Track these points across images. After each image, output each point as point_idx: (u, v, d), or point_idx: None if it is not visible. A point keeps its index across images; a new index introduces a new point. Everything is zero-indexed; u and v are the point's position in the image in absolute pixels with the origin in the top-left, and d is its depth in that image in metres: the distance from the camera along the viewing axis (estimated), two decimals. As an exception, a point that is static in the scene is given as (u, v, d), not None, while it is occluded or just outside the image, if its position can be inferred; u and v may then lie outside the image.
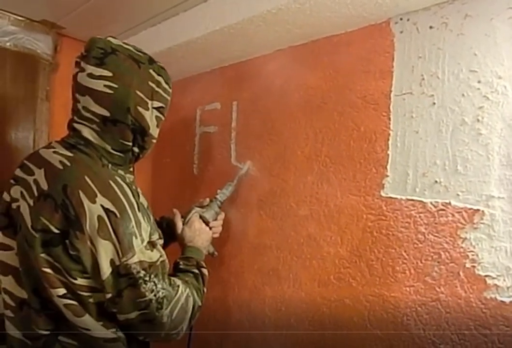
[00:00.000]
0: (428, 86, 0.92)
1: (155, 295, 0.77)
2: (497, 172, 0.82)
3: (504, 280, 0.80)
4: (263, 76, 1.26)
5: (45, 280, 0.76)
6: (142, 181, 1.61)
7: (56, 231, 0.75)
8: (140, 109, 0.84)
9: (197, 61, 1.36)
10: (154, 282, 0.78)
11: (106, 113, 0.82)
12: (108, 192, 0.76)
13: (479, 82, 0.85)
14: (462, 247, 0.86)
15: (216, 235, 1.14)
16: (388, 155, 0.98)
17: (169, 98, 0.91)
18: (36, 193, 0.79)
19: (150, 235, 0.81)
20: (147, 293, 0.76)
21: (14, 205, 0.83)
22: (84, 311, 0.77)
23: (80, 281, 0.76)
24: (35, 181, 0.81)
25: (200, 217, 1.09)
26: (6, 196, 0.86)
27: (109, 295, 0.75)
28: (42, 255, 0.76)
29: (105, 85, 0.82)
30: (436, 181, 0.90)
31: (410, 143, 0.95)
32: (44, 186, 0.78)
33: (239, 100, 1.34)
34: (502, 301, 0.80)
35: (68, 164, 0.79)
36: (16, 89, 1.22)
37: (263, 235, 1.24)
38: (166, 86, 0.90)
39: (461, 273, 0.86)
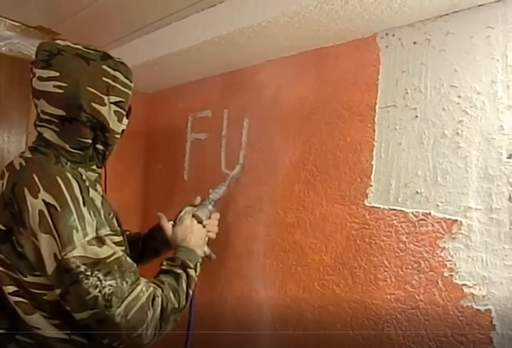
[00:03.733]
0: (411, 100, 0.95)
1: (100, 292, 0.72)
2: (475, 184, 0.85)
3: (480, 289, 0.83)
4: (254, 85, 1.29)
5: None
6: (133, 186, 1.63)
7: (3, 228, 0.78)
8: (95, 105, 0.84)
9: (189, 69, 1.39)
10: (98, 277, 0.73)
11: (61, 112, 0.83)
12: (51, 187, 0.76)
13: (459, 97, 0.88)
14: (441, 256, 0.88)
15: (212, 236, 1.10)
16: (372, 165, 1.01)
17: (129, 92, 0.90)
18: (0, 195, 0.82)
19: (97, 230, 0.77)
20: (90, 289, 0.71)
21: None
22: (34, 309, 0.76)
23: (30, 278, 0.76)
24: (2, 184, 0.83)
25: (193, 215, 1.04)
26: None
27: (58, 291, 0.73)
28: None
29: (54, 86, 0.82)
30: (417, 192, 0.93)
31: (394, 154, 0.97)
32: (3, 187, 0.82)
33: (230, 108, 1.36)
34: (477, 310, 0.83)
35: (24, 164, 0.82)
36: (10, 93, 1.24)
37: (251, 241, 1.25)
38: (125, 80, 0.89)
39: (439, 281, 0.88)
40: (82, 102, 0.82)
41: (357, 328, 1.00)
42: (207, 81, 1.45)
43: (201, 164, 1.46)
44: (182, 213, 1.05)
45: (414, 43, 0.96)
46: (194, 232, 1.01)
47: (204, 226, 1.06)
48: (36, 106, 0.86)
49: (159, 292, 0.82)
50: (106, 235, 0.78)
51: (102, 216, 0.81)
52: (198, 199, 1.13)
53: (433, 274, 0.89)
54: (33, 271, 0.75)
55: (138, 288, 0.78)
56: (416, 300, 0.91)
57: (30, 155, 0.84)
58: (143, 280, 0.81)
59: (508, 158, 0.81)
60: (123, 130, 0.93)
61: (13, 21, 1.24)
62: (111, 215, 0.90)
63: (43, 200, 0.74)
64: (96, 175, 0.92)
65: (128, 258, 0.81)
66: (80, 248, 0.73)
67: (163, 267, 0.91)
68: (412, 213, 0.93)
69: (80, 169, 0.86)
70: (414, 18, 0.94)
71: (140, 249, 1.12)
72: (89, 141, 0.86)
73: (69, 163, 0.84)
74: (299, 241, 1.14)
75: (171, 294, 0.84)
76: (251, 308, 1.23)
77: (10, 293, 0.77)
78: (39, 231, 0.73)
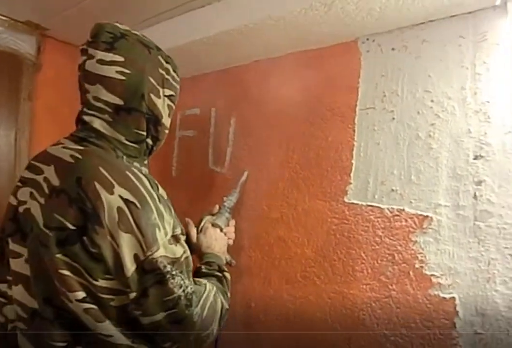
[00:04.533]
0: (389, 103, 1.01)
1: (183, 291, 0.70)
2: (445, 182, 0.92)
3: (446, 279, 0.90)
4: (241, 85, 1.33)
5: (62, 284, 0.68)
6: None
7: (72, 227, 0.68)
8: (152, 96, 0.79)
9: (179, 67, 1.41)
10: (180, 276, 0.71)
11: (119, 101, 0.77)
12: (126, 183, 0.70)
13: (432, 101, 0.95)
14: (413, 249, 0.95)
15: (231, 242, 1.11)
16: (352, 164, 1.07)
17: (178, 86, 0.87)
18: (47, 191, 0.73)
19: (173, 228, 0.74)
20: (175, 289, 0.69)
21: (21, 208, 0.76)
22: (104, 317, 0.69)
23: (101, 282, 0.68)
24: (45, 179, 0.74)
25: (213, 224, 1.06)
26: (12, 200, 0.79)
27: (133, 295, 0.68)
28: (58, 255, 0.68)
29: (117, 71, 0.76)
30: (392, 189, 0.99)
31: (372, 154, 1.04)
32: (56, 182, 0.72)
33: (218, 106, 1.40)
34: (443, 297, 0.90)
35: (80, 157, 0.73)
36: (0, 88, 1.24)
37: (238, 236, 1.29)
38: (174, 74, 0.86)
39: (411, 272, 0.95)
40: (144, 92, 0.78)
41: (335, 316, 1.07)
42: (196, 79, 1.48)
43: (189, 161, 1.49)
44: (203, 223, 1.07)
45: (393, 49, 1.02)
46: (218, 240, 1.03)
47: (225, 234, 1.07)
48: (86, 92, 0.78)
49: (217, 292, 0.82)
50: (180, 233, 0.76)
51: (173, 213, 0.78)
52: (216, 208, 1.13)
53: (406, 266, 0.96)
54: (106, 274, 0.67)
55: (207, 288, 0.78)
56: (389, 289, 0.98)
57: (80, 147, 0.75)
58: (203, 280, 0.81)
59: (474, 159, 0.88)
60: None
61: (2, 15, 1.25)
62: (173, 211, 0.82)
63: (120, 196, 0.68)
64: (148, 170, 0.86)
65: (191, 257, 0.78)
66: (162, 247, 0.69)
67: (204, 270, 0.90)
68: (388, 209, 1.00)
69: (135, 164, 0.80)
70: (393, 25, 1.00)
71: None
72: (145, 133, 0.81)
73: (125, 157, 0.78)
74: (282, 236, 1.19)
75: (221, 295, 0.83)
76: (235, 299, 1.28)
77: (78, 300, 0.67)
78: (119, 230, 0.67)
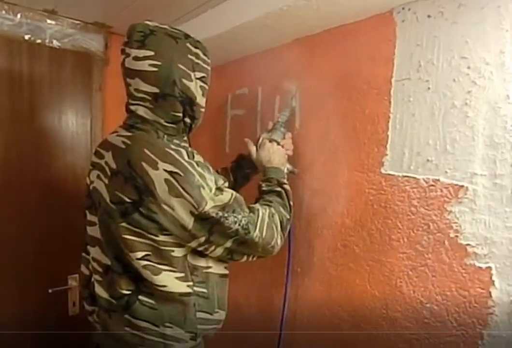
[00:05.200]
0: (424, 72, 1.00)
1: (239, 225, 0.89)
2: (481, 151, 0.90)
3: (482, 248, 0.90)
4: (284, 63, 1.38)
5: (125, 246, 0.87)
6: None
7: (129, 200, 0.85)
8: (184, 81, 0.91)
9: (226, 51, 1.51)
10: (233, 215, 0.88)
11: (155, 90, 0.90)
12: (166, 158, 0.84)
13: (468, 68, 0.92)
14: (447, 219, 0.96)
15: (290, 153, 1.22)
16: (388, 135, 1.08)
17: (209, 68, 0.98)
18: (108, 173, 0.89)
19: (216, 182, 0.91)
20: (232, 226, 0.88)
21: (92, 187, 0.96)
22: (160, 270, 0.88)
23: (161, 237, 0.87)
24: (106, 163, 0.91)
25: (269, 140, 1.18)
26: (87, 180, 1.00)
27: (203, 239, 0.88)
28: (122, 224, 0.86)
29: (149, 65, 0.88)
30: (428, 160, 0.99)
31: (407, 125, 1.04)
32: (113, 165, 0.89)
33: (264, 86, 1.47)
34: (479, 267, 0.90)
35: (129, 142, 0.88)
36: (75, 82, 1.46)
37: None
38: (204, 57, 0.96)
39: (446, 242, 0.96)
40: (175, 78, 0.90)
41: (374, 283, 1.11)
42: (242, 61, 1.56)
43: (240, 138, 1.59)
44: (260, 140, 1.19)
45: (429, 16, 0.99)
46: (276, 153, 1.15)
47: (282, 146, 1.19)
48: (128, 85, 0.93)
49: (273, 210, 1.00)
50: (222, 184, 0.93)
51: (212, 171, 0.94)
52: (270, 124, 1.25)
53: (441, 235, 0.97)
54: (164, 231, 0.86)
55: (260, 213, 0.95)
56: (425, 258, 1.00)
57: (129, 133, 0.91)
58: (257, 205, 0.98)
59: (513, 126, 0.85)
60: None
61: (74, 19, 1.44)
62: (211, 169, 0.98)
63: (165, 170, 0.83)
64: (188, 145, 1.01)
65: (239, 195, 0.95)
66: (210, 201, 0.85)
67: (264, 188, 1.08)
68: (423, 179, 1.00)
69: (175, 141, 0.95)
70: (429, -9, 0.97)
71: (233, 180, 1.27)
72: (181, 115, 0.94)
73: (165, 136, 0.93)
74: (324, 206, 1.25)
75: (281, 209, 1.03)
76: (283, 265, 1.39)
77: (138, 258, 0.87)
78: (171, 196, 0.83)
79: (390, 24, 1.07)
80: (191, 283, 0.92)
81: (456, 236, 0.94)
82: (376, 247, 1.11)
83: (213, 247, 0.91)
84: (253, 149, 1.19)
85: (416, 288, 1.02)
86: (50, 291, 1.39)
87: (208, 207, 0.85)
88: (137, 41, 0.89)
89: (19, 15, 1.33)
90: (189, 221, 0.85)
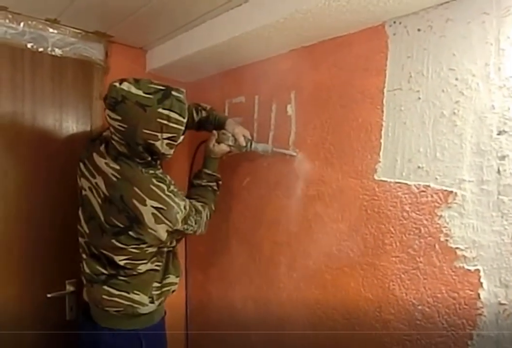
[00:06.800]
0: (414, 83, 1.05)
1: (193, 230, 1.25)
2: (469, 158, 0.95)
3: (471, 251, 0.94)
4: (280, 72, 1.42)
5: (111, 252, 1.16)
6: (181, 164, 1.85)
7: (122, 226, 1.13)
8: (150, 141, 1.08)
9: (224, 60, 1.55)
10: (191, 224, 1.21)
11: (125, 141, 1.10)
12: (153, 195, 1.11)
13: (456, 79, 0.97)
14: (438, 223, 1.00)
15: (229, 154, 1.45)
16: (381, 143, 1.12)
17: (182, 127, 1.10)
18: (102, 196, 1.15)
19: (184, 206, 1.18)
20: (190, 232, 1.24)
21: (84, 192, 1.21)
22: (137, 264, 1.19)
23: (141, 246, 1.16)
24: (97, 185, 1.16)
25: (230, 146, 1.38)
26: (79, 183, 1.24)
27: (169, 242, 1.23)
28: (113, 240, 1.14)
29: (118, 125, 1.07)
30: (419, 167, 1.04)
31: (399, 133, 1.08)
32: (106, 192, 1.14)
33: (260, 94, 1.51)
34: (468, 269, 0.94)
35: (119, 177, 1.13)
36: (76, 90, 1.48)
37: (279, 212, 1.43)
38: (178, 117, 1.08)
39: (436, 245, 1.00)
40: (138, 141, 1.07)
41: (368, 286, 1.15)
42: (240, 70, 1.60)
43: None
44: (224, 143, 1.36)
45: (418, 30, 1.04)
46: (223, 154, 1.40)
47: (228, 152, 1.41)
48: (110, 129, 1.13)
49: (207, 208, 1.31)
50: (186, 202, 1.21)
51: (180, 194, 1.20)
52: (243, 141, 1.36)
53: (431, 239, 1.01)
54: (144, 243, 1.16)
55: (203, 215, 1.28)
56: (417, 261, 1.04)
57: (117, 166, 1.14)
58: (199, 207, 1.27)
59: (498, 134, 0.90)
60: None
61: (75, 28, 1.47)
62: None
63: (152, 206, 1.10)
64: (161, 170, 1.23)
65: (191, 202, 1.24)
66: (181, 220, 1.17)
67: (203, 183, 1.36)
68: (415, 185, 1.04)
69: (151, 171, 1.16)
70: (418, 6, 1.02)
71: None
72: (149, 158, 1.14)
73: (144, 169, 1.15)
74: (319, 212, 1.29)
75: (212, 205, 1.35)
76: (279, 270, 1.42)
77: (121, 260, 1.16)
78: (156, 224, 1.12)
79: (382, 37, 1.12)
80: (155, 263, 1.23)
81: (446, 240, 0.98)
82: (369, 251, 1.14)
83: (171, 244, 1.26)
84: (212, 141, 1.37)
85: (408, 291, 1.05)
86: (48, 295, 1.40)
87: (180, 225, 1.17)
88: (109, 104, 1.06)
89: (22, 24, 1.36)
90: (164, 236, 1.16)
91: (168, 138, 1.09)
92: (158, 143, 1.09)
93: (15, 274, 1.38)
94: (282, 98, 1.42)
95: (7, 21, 1.33)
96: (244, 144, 1.36)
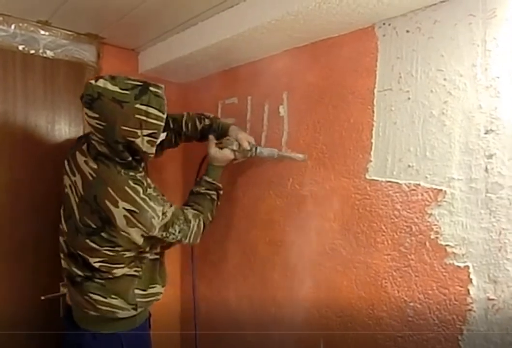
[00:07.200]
0: (404, 83, 1.06)
1: (176, 239, 1.18)
2: (457, 157, 0.96)
3: (460, 248, 0.96)
4: (272, 73, 1.44)
5: (86, 253, 1.13)
6: (173, 167, 1.86)
7: (95, 226, 1.10)
8: (130, 138, 1.05)
9: (216, 62, 1.55)
10: (172, 233, 1.15)
11: (104, 140, 1.08)
12: (125, 196, 1.07)
13: (444, 79, 0.98)
14: (428, 221, 1.01)
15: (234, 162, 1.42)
16: (372, 143, 1.14)
17: (161, 123, 1.07)
18: (78, 194, 1.13)
19: (163, 210, 1.12)
20: (172, 241, 1.18)
21: (66, 190, 1.19)
22: (112, 268, 1.14)
23: (116, 248, 1.12)
24: (75, 182, 1.14)
25: (234, 151, 1.34)
26: (64, 180, 1.21)
27: (147, 248, 1.17)
28: (87, 240, 1.11)
29: (96, 123, 1.05)
30: (409, 166, 1.05)
31: (390, 133, 1.10)
32: (81, 191, 1.12)
33: (253, 95, 1.52)
34: (458, 266, 0.96)
35: (95, 176, 1.10)
36: (68, 92, 1.48)
37: (273, 212, 1.44)
38: (157, 113, 1.05)
39: (427, 243, 1.01)
40: (117, 138, 1.05)
41: (360, 284, 1.16)
42: (232, 71, 1.61)
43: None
44: (225, 148, 1.33)
45: (407, 31, 1.06)
46: (227, 161, 1.36)
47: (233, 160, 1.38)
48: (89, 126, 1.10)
49: (202, 217, 1.26)
50: (167, 208, 1.15)
51: (160, 199, 1.15)
52: (248, 145, 1.33)
53: (422, 237, 1.02)
54: (119, 246, 1.12)
55: (191, 224, 1.21)
56: (408, 259, 1.05)
57: (95, 166, 1.11)
58: (190, 213, 1.22)
59: (485, 133, 0.92)
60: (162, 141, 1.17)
61: (67, 30, 1.47)
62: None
63: (124, 208, 1.06)
64: (143, 173, 1.18)
65: (175, 210, 1.18)
66: (158, 226, 1.11)
67: (202, 191, 1.31)
68: (405, 184, 1.06)
69: (131, 173, 1.12)
70: (407, 8, 1.03)
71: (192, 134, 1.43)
72: (130, 158, 1.10)
73: (123, 170, 1.11)
74: (312, 211, 1.30)
75: (209, 214, 1.29)
76: (274, 269, 1.43)
77: (95, 262, 1.13)
78: (128, 227, 1.08)
79: (372, 38, 1.13)
80: (134, 269, 1.19)
81: (436, 237, 1.00)
82: (362, 249, 1.16)
83: (153, 250, 1.22)
84: (212, 145, 1.35)
85: (400, 288, 1.07)
86: (42, 298, 1.40)
87: (156, 232, 1.12)
88: (86, 102, 1.04)
89: (13, 26, 1.36)
90: (140, 240, 1.12)
91: (148, 135, 1.06)
92: (138, 141, 1.05)
93: (9, 277, 1.37)
94: (274, 98, 1.43)
95: (-2, 23, 1.33)
96: (248, 148, 1.33)
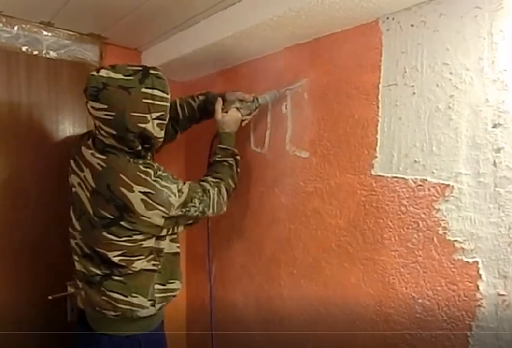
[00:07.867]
0: (409, 78, 1.05)
1: (198, 211, 1.16)
2: (465, 152, 0.95)
3: (469, 244, 0.95)
4: (274, 71, 1.43)
5: (103, 247, 1.10)
6: (178, 162, 1.85)
7: (112, 217, 1.07)
8: (140, 125, 1.04)
9: (217, 60, 1.55)
10: (193, 206, 1.13)
11: (113, 132, 1.05)
12: (138, 181, 1.05)
13: (450, 73, 0.97)
14: (436, 217, 1.00)
15: (243, 124, 1.40)
16: (377, 139, 1.13)
17: (167, 103, 1.08)
18: (90, 189, 1.10)
19: (177, 187, 1.10)
20: (194, 214, 1.15)
21: (73, 190, 1.18)
22: (133, 261, 1.12)
23: (135, 237, 1.10)
24: (85, 178, 1.12)
25: (237, 109, 1.34)
26: (69, 180, 1.20)
27: (171, 228, 1.15)
28: (104, 233, 1.08)
29: (105, 114, 1.03)
30: (415, 161, 1.04)
31: (395, 128, 1.09)
32: (92, 184, 1.10)
33: (256, 93, 1.51)
34: (467, 262, 0.95)
35: (105, 166, 1.08)
36: (72, 92, 1.48)
37: (277, 209, 1.43)
38: (162, 94, 1.06)
39: (435, 239, 1.00)
40: (128, 126, 1.03)
41: (368, 281, 1.15)
42: (235, 69, 1.60)
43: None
44: (230, 108, 1.33)
45: (412, 25, 1.05)
46: (236, 123, 1.34)
47: (242, 121, 1.37)
48: (94, 121, 1.09)
49: (223, 184, 1.24)
50: (182, 186, 1.13)
51: (172, 178, 1.13)
52: (249, 97, 1.34)
53: (430, 233, 1.01)
54: (139, 233, 1.09)
55: (211, 194, 1.19)
56: (416, 255, 1.04)
57: (103, 156, 1.09)
58: (208, 183, 1.21)
59: (493, 127, 0.91)
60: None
61: (70, 31, 1.47)
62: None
63: (140, 192, 1.04)
64: (151, 160, 1.18)
65: (192, 184, 1.17)
66: (176, 203, 1.10)
67: (218, 159, 1.30)
68: (412, 179, 1.05)
69: (140, 162, 1.11)
70: (411, 2, 1.02)
71: (190, 117, 1.42)
72: (139, 147, 1.10)
73: (132, 159, 1.10)
74: (317, 208, 1.29)
75: (230, 180, 1.27)
76: (280, 267, 1.42)
77: (114, 256, 1.10)
78: (147, 210, 1.06)
79: (376, 33, 1.12)
80: (152, 262, 1.17)
81: (444, 233, 0.99)
82: (368, 246, 1.15)
83: (176, 229, 1.18)
84: (219, 109, 1.33)
85: (408, 285, 1.06)
86: (50, 297, 1.40)
87: (176, 210, 1.10)
88: (91, 95, 1.02)
89: (16, 27, 1.36)
90: (161, 222, 1.10)
91: (157, 118, 1.06)
92: (149, 126, 1.05)
93: (16, 277, 1.38)
94: (278, 97, 1.42)
95: (1, 24, 1.34)
96: (251, 99, 1.33)
